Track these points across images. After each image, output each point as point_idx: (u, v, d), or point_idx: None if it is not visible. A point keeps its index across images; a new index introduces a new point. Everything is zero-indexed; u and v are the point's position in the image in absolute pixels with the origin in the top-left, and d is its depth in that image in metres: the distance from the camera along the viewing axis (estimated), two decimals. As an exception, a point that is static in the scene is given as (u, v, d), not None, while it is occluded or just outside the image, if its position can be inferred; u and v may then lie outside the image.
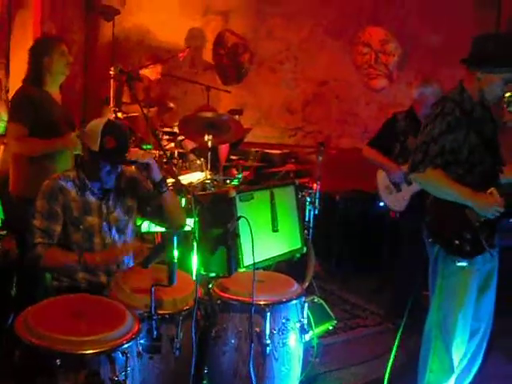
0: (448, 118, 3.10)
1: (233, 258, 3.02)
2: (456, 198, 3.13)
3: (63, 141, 3.92)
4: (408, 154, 4.63)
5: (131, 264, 3.30)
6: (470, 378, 3.46)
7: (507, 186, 3.15)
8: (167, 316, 2.80)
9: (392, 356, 3.58)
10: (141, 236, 4.52)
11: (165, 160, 4.70)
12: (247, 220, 2.98)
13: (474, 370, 3.45)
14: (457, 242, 3.13)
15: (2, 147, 5.28)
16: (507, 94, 3.19)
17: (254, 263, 2.97)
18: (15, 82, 5.72)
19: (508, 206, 3.10)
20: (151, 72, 6.47)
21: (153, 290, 2.70)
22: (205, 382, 3.08)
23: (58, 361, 2.27)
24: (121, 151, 3.14)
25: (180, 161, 5.13)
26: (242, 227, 3.18)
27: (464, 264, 3.14)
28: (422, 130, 3.21)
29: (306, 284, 4.67)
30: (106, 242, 3.25)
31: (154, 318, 2.72)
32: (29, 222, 3.15)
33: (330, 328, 4.26)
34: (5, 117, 5.92)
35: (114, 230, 3.28)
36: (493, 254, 3.22)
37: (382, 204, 4.95)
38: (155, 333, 2.74)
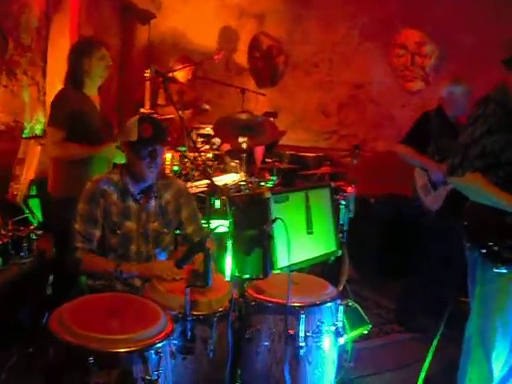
0: (490, 119, 3.02)
1: (268, 260, 2.98)
2: (495, 203, 3.04)
3: (101, 150, 3.98)
4: (443, 152, 4.58)
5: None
6: (509, 387, 3.38)
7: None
8: (201, 317, 2.78)
9: (427, 364, 3.52)
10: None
11: (199, 162, 4.71)
12: (283, 222, 2.94)
13: (513, 378, 3.37)
14: (496, 248, 3.05)
15: (40, 148, 5.34)
16: None
17: (290, 265, 2.94)
18: (52, 85, 5.80)
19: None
20: (182, 74, 6.47)
21: (187, 290, 2.69)
22: (238, 383, 3.05)
23: (91, 359, 2.27)
24: (158, 137, 3.18)
25: (215, 162, 5.13)
26: (277, 229, 3.15)
27: (503, 271, 3.06)
28: (463, 131, 3.13)
29: (340, 288, 4.62)
30: (141, 251, 3.27)
31: (189, 318, 2.71)
32: (70, 224, 3.19)
33: (365, 332, 4.21)
34: (42, 119, 6.00)
35: (150, 240, 3.30)
36: None
37: (417, 204, 4.88)
38: (189, 334, 2.72)
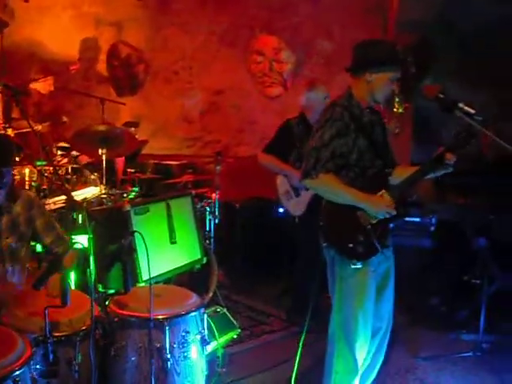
0: (337, 123, 3.17)
1: (129, 274, 2.94)
2: (348, 200, 3.19)
3: None
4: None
5: None
6: (374, 375, 3.53)
7: (398, 188, 3.24)
8: (63, 338, 2.71)
9: (297, 360, 3.60)
10: (37, 256, 4.37)
11: (58, 176, 4.57)
12: (141, 235, 2.92)
13: (377, 366, 3.52)
14: (350, 244, 3.19)
15: None
16: (397, 100, 3.30)
17: (151, 278, 2.91)
18: None
19: (399, 207, 3.20)
20: (43, 85, 6.25)
21: (46, 312, 2.60)
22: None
23: None
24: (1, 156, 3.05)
25: (74, 176, 5.00)
26: (139, 241, 3.12)
27: (359, 266, 3.20)
28: (312, 136, 3.25)
29: (210, 294, 4.65)
30: None
31: (50, 340, 2.63)
32: None
33: (235, 337, 4.25)
34: None
35: (6, 257, 3.17)
36: (386, 255, 3.30)
37: (281, 210, 4.99)
38: (51, 356, 2.64)
